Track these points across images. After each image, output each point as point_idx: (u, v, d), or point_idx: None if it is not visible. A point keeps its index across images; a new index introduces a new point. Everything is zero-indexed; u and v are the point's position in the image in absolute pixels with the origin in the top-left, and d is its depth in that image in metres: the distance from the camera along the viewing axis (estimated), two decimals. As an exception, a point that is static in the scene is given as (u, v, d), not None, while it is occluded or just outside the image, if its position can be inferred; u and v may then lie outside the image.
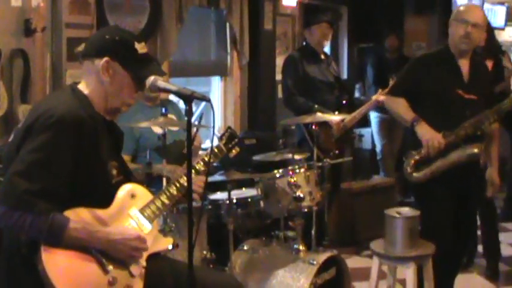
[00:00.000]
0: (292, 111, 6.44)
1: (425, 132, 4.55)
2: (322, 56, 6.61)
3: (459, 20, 4.68)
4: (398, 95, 4.81)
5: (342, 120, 6.15)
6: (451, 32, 4.74)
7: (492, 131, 4.85)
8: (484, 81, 4.91)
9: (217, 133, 3.98)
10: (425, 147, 4.54)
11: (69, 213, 2.95)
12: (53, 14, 5.59)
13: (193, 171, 3.54)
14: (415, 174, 4.59)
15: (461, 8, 4.86)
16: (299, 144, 6.40)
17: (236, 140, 3.95)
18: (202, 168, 3.62)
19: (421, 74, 4.74)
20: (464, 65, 4.75)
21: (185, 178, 3.24)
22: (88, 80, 3.22)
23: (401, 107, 4.75)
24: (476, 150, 4.55)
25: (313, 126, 5.58)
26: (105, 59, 3.15)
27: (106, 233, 3.03)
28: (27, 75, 5.30)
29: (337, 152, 6.11)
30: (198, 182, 3.58)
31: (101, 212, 3.09)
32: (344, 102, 6.49)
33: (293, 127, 6.99)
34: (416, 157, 4.59)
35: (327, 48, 9.39)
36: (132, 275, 3.10)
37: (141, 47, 3.23)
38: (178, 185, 3.43)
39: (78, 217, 2.98)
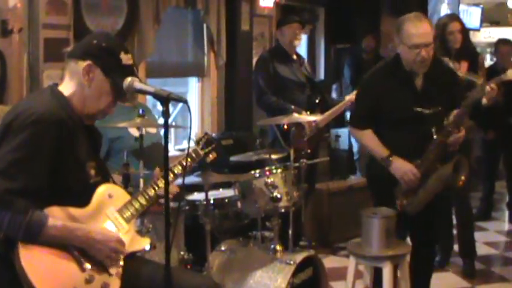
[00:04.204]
0: (264, 110, 6.49)
1: (398, 169, 4.49)
2: (294, 57, 6.63)
3: (409, 45, 4.43)
4: (363, 127, 4.65)
5: (314, 121, 6.17)
6: (402, 55, 4.53)
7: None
8: (443, 84, 4.64)
9: (194, 138, 3.98)
10: (403, 183, 4.51)
11: None
12: (29, 15, 5.55)
13: (171, 174, 3.55)
14: (407, 207, 4.56)
15: (407, 31, 4.48)
16: (272, 144, 6.42)
17: (213, 145, 3.96)
18: (180, 171, 3.63)
19: (376, 97, 4.58)
20: (417, 77, 4.59)
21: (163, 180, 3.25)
22: (70, 82, 3.23)
23: (370, 141, 4.63)
24: (449, 171, 4.51)
25: (284, 126, 5.62)
26: (88, 62, 3.17)
27: (86, 232, 3.05)
28: (3, 76, 5.27)
29: (309, 151, 6.12)
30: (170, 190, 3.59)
31: (75, 211, 3.10)
32: (317, 101, 6.51)
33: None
34: (402, 190, 4.55)
35: (304, 49, 9.47)
36: (109, 274, 3.12)
37: (126, 58, 3.23)
38: (156, 186, 3.45)
39: (52, 215, 2.98)
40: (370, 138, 4.61)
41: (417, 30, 4.46)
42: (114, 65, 3.20)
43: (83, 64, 3.18)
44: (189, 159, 3.75)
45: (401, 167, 4.49)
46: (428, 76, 4.60)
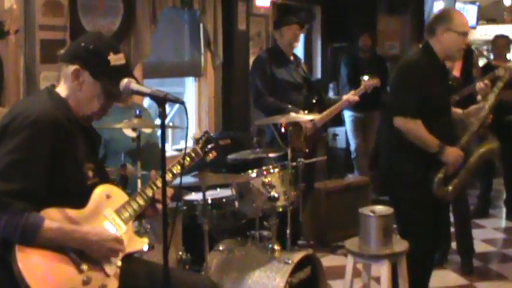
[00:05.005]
0: (261, 111, 6.47)
1: (451, 155, 4.60)
2: (291, 57, 6.63)
3: (461, 32, 4.63)
4: (418, 117, 4.57)
5: (312, 120, 6.17)
6: (447, 42, 4.65)
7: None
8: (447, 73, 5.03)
9: (194, 137, 3.98)
10: (451, 168, 4.63)
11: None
12: (26, 16, 5.54)
13: (169, 174, 3.56)
14: (450, 192, 4.70)
15: (458, 19, 4.70)
16: (270, 143, 6.42)
17: (213, 144, 3.96)
18: (179, 171, 3.63)
19: (423, 85, 4.61)
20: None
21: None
22: (64, 84, 3.23)
23: (423, 132, 4.58)
24: (495, 145, 4.77)
25: (282, 126, 5.63)
26: (75, 66, 3.17)
27: (83, 233, 3.05)
28: (0, 78, 5.27)
29: (307, 151, 6.13)
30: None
31: (73, 212, 3.10)
32: (314, 102, 6.52)
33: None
34: (441, 175, 4.63)
35: (300, 48, 9.47)
36: (107, 275, 3.12)
37: (116, 59, 3.19)
38: (154, 187, 3.45)
39: (49, 217, 2.98)
40: (423, 129, 4.58)
41: (465, 20, 4.78)
42: (103, 67, 3.17)
43: (72, 68, 3.18)
44: (188, 159, 3.76)
45: (454, 153, 4.62)
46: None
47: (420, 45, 4.80)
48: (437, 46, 4.68)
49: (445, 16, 4.73)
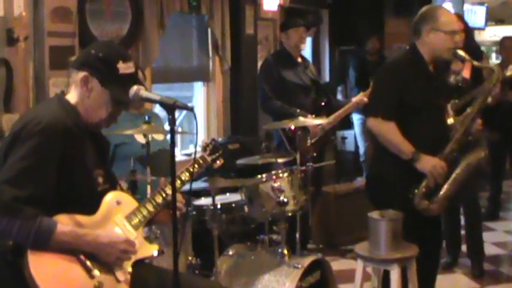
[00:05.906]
0: (269, 115, 6.49)
1: (427, 163, 4.35)
2: (299, 60, 6.62)
3: (447, 31, 4.41)
4: (390, 118, 4.38)
5: (319, 124, 6.16)
6: (434, 43, 4.43)
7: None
8: (442, 76, 4.84)
9: (202, 144, 3.99)
10: (431, 179, 4.38)
11: None
12: (35, 23, 5.59)
13: (178, 181, 3.58)
14: (431, 207, 4.45)
15: (444, 18, 4.46)
16: (277, 147, 6.42)
17: (220, 151, 3.97)
18: (187, 178, 3.64)
19: (401, 86, 4.43)
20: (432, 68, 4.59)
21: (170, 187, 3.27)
22: (74, 91, 3.26)
23: (396, 136, 4.36)
24: (482, 154, 4.52)
25: (291, 130, 5.63)
26: (84, 73, 3.19)
27: (95, 236, 3.07)
28: (10, 85, 5.30)
29: (315, 154, 6.12)
30: (178, 199, 3.59)
31: (83, 219, 3.12)
32: (322, 104, 6.52)
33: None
34: (423, 190, 4.42)
35: (308, 51, 9.47)
36: (118, 280, 3.14)
37: (125, 67, 3.21)
38: (163, 193, 3.46)
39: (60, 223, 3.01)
40: (396, 132, 4.36)
41: (452, 17, 4.58)
42: (111, 75, 3.19)
43: (81, 75, 3.20)
44: (196, 166, 3.77)
45: (430, 162, 4.36)
46: (438, 69, 4.64)
47: (407, 47, 4.71)
48: (424, 48, 4.49)
49: (430, 15, 4.50)
